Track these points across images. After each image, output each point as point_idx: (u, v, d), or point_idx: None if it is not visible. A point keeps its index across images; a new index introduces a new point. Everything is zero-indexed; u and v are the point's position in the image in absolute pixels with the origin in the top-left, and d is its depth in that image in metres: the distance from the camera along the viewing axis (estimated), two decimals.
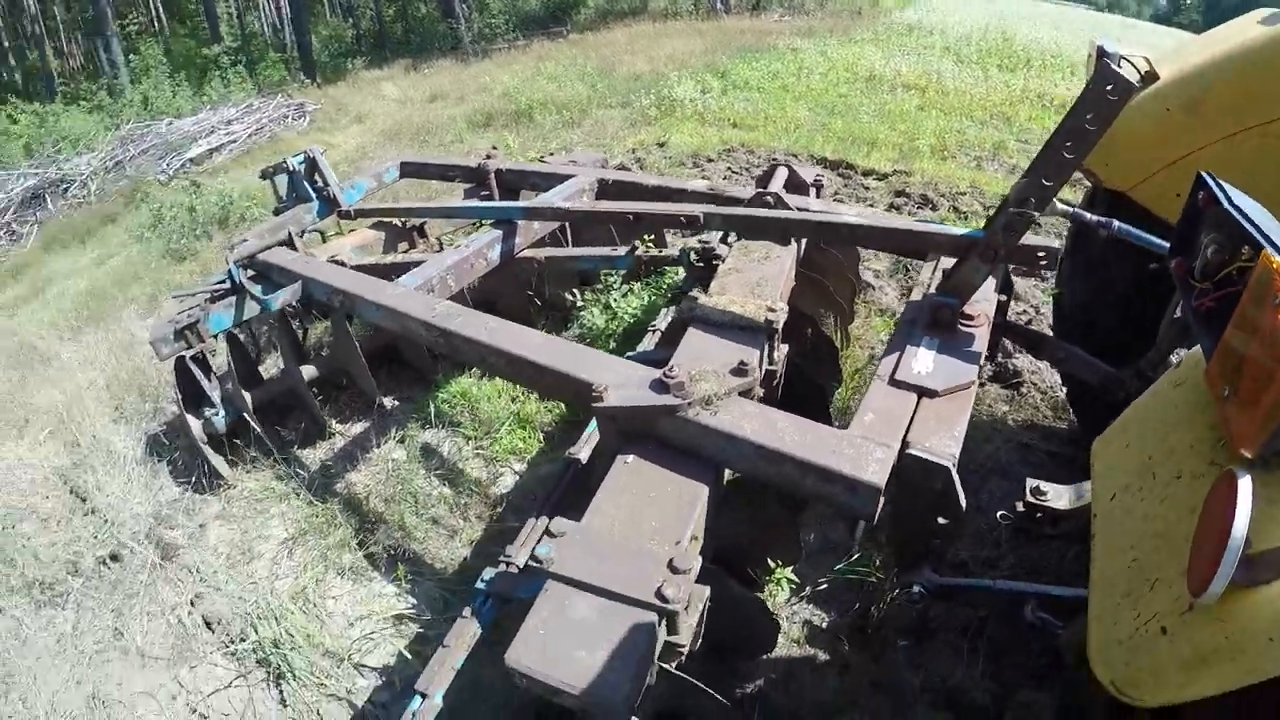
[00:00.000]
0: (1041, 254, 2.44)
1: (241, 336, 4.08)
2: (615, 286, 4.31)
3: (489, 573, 2.24)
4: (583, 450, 2.61)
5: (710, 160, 7.45)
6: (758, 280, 2.72)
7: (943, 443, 1.97)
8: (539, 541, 1.87)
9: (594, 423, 2.63)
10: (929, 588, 2.07)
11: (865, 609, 2.67)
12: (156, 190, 12.28)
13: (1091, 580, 1.37)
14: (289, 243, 3.72)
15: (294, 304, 3.47)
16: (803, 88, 10.32)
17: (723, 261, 2.89)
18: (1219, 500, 1.09)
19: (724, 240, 3.08)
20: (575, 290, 4.36)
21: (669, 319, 3.12)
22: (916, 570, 2.09)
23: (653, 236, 3.83)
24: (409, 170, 4.43)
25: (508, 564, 2.26)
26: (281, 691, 2.93)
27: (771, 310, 2.48)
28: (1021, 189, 2.14)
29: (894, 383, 2.21)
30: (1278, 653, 1.01)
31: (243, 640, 3.17)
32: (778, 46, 13.78)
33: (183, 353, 3.63)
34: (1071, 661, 1.65)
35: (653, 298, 4.28)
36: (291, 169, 4.04)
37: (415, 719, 1.99)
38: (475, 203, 4.11)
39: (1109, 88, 1.90)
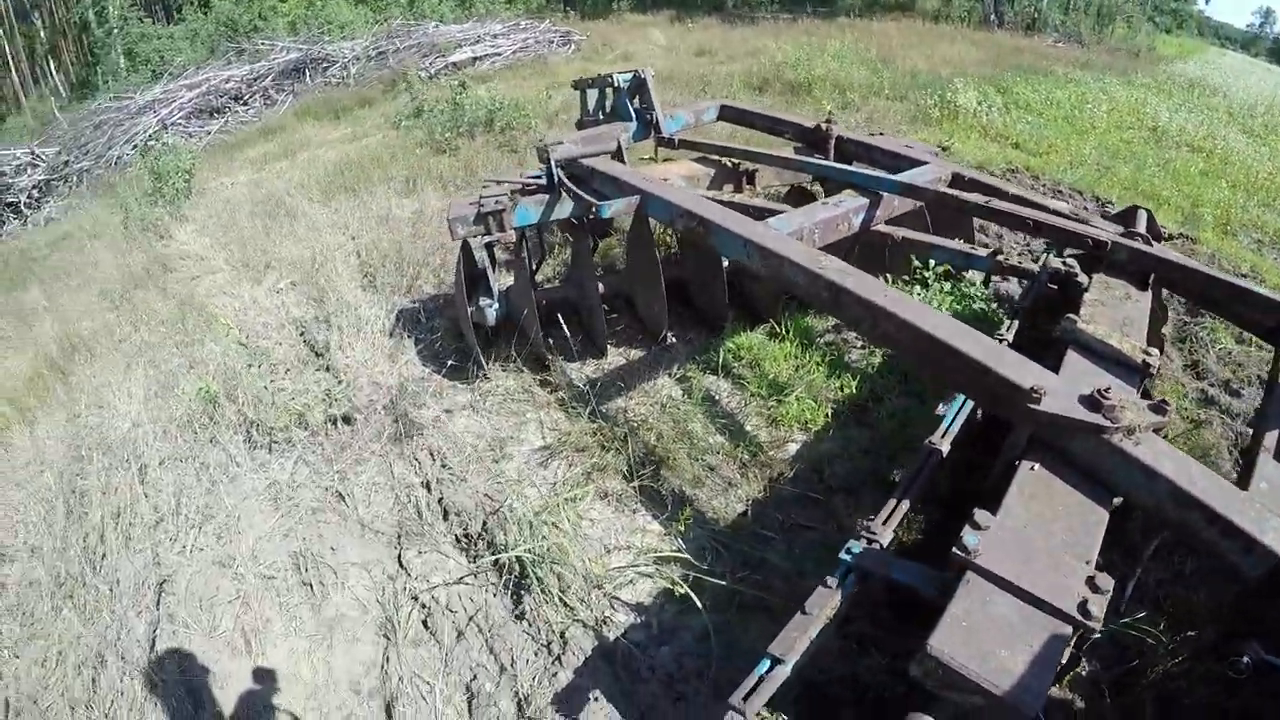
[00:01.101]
0: None
1: (529, 236, 4.02)
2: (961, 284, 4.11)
3: (855, 545, 2.13)
4: (943, 443, 2.46)
5: (997, 178, 6.90)
6: (1124, 319, 2.73)
7: None
8: (962, 531, 1.86)
9: (951, 416, 2.58)
10: (1261, 661, 2.02)
11: (1134, 668, 2.61)
12: (419, 84, 12.74)
13: None
14: (618, 155, 3.61)
15: (594, 217, 3.37)
16: (1085, 123, 9.64)
17: (1085, 291, 2.87)
18: None
19: (1083, 270, 3.05)
20: (918, 274, 4.14)
21: (1013, 330, 2.96)
22: (1246, 642, 2.06)
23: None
24: (728, 115, 4.30)
25: (871, 540, 2.16)
26: (521, 603, 2.81)
27: (1148, 354, 2.50)
28: None
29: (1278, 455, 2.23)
30: None
31: (484, 537, 3.08)
32: (1055, 72, 12.95)
33: (478, 237, 3.59)
34: None
35: (960, 304, 4.01)
36: (617, 84, 3.94)
37: (763, 683, 1.87)
38: (836, 164, 3.88)
39: None
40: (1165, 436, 2.39)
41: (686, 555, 2.87)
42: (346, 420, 3.84)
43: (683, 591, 2.67)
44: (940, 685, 1.67)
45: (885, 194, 3.49)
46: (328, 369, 4.30)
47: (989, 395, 2.30)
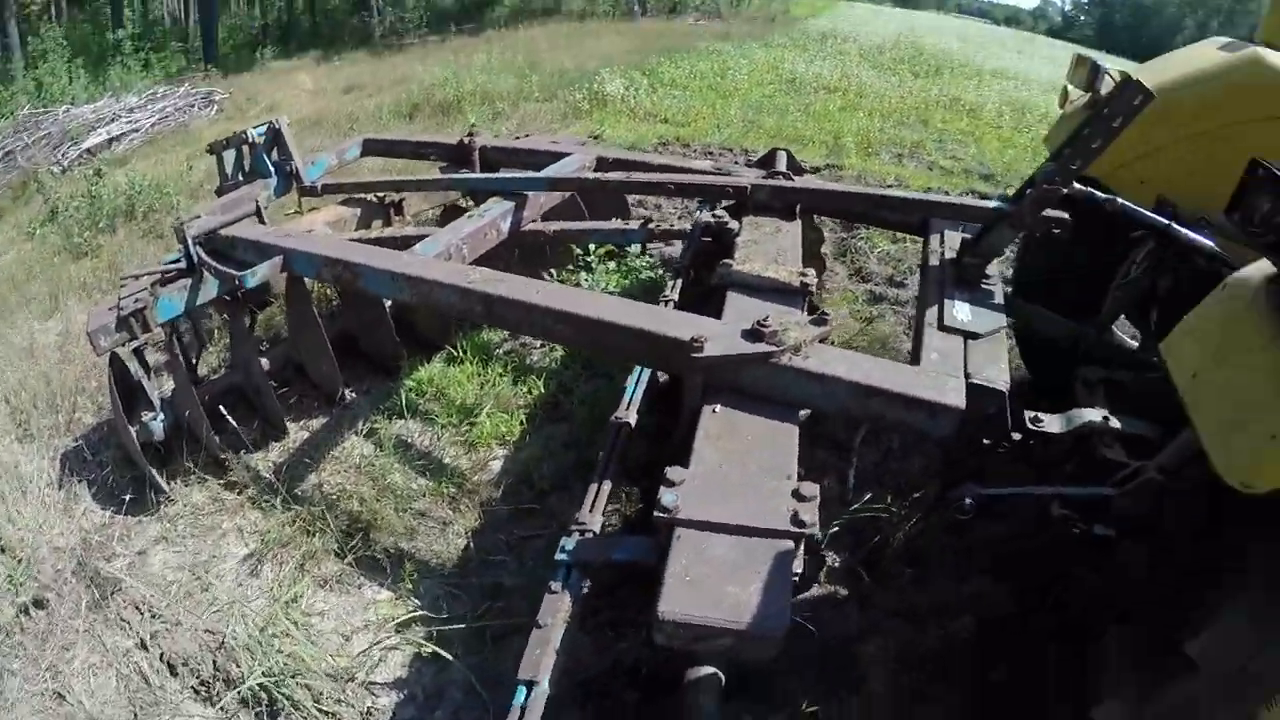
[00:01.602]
0: (1055, 225, 2.77)
1: (182, 327, 3.64)
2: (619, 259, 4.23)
3: (569, 542, 2.09)
4: (629, 414, 2.52)
5: (646, 153, 7.34)
6: (777, 251, 2.92)
7: (994, 373, 2.28)
8: (660, 492, 1.89)
9: (633, 387, 2.65)
10: (977, 498, 2.22)
11: (879, 544, 2.90)
12: (51, 182, 11.27)
13: (1199, 428, 1.68)
14: (257, 216, 3.36)
15: (242, 290, 3.11)
16: (729, 87, 10.51)
17: (737, 235, 3.06)
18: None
19: (732, 217, 3.26)
20: (581, 261, 4.23)
21: (678, 288, 3.11)
22: (963, 487, 2.24)
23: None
24: (373, 148, 4.16)
25: (583, 531, 2.14)
26: None
27: (804, 275, 2.70)
28: (1051, 170, 2.54)
29: (943, 328, 2.50)
30: None
31: (219, 676, 2.75)
32: (699, 48, 13.98)
33: (124, 345, 3.21)
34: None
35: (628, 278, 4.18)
36: (251, 140, 3.68)
37: (526, 713, 1.77)
38: (481, 174, 3.88)
39: (1136, 99, 2.38)
40: (834, 342, 2.59)
41: (424, 611, 2.73)
42: (39, 604, 3.25)
43: (430, 650, 2.53)
44: (687, 642, 1.69)
45: (531, 193, 3.51)
46: (3, 550, 3.67)
47: (658, 358, 2.41)
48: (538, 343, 4.08)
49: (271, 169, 3.68)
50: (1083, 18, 76.44)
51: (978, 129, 9.22)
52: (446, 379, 3.80)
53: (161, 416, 3.38)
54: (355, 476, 3.38)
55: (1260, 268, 1.77)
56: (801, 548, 1.83)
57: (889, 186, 6.47)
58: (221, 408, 3.47)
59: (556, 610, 1.96)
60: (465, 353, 3.91)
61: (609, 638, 2.49)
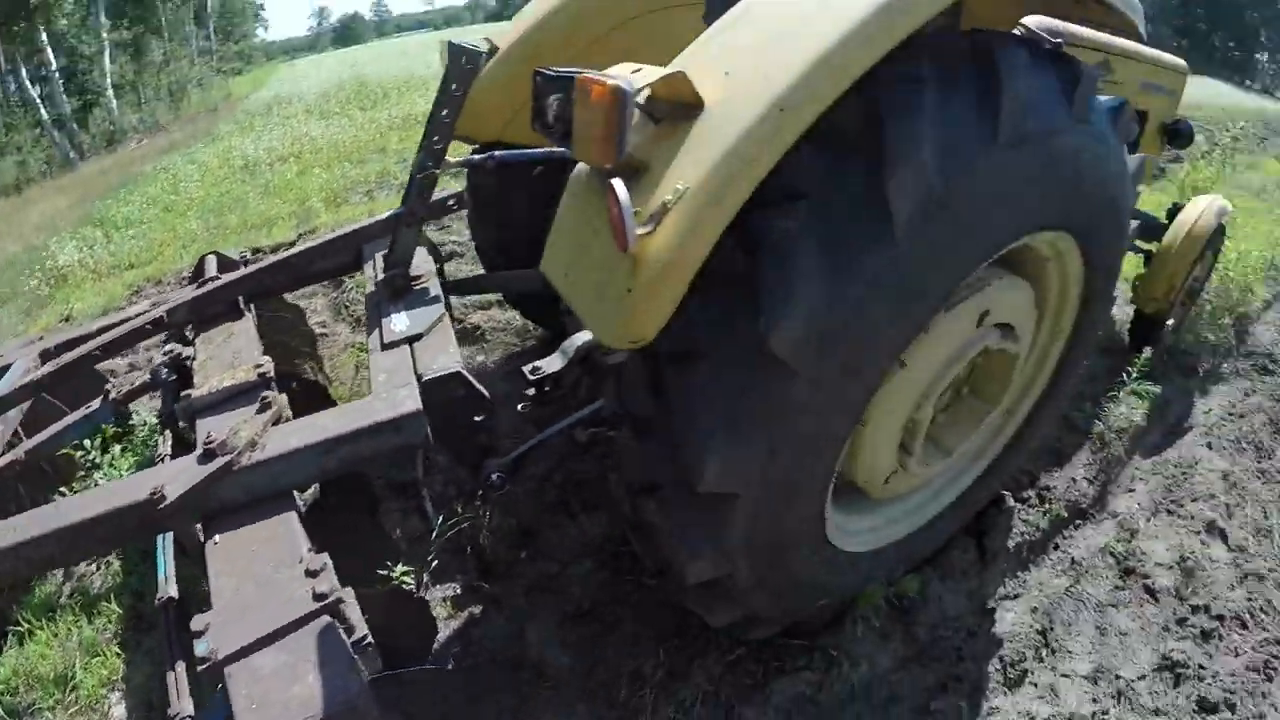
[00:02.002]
0: (451, 201, 3.04)
1: None
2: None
3: None
4: (169, 589, 2.50)
5: (122, 309, 6.86)
6: (232, 355, 2.87)
7: (444, 360, 2.40)
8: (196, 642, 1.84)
9: (161, 563, 2.60)
10: (502, 469, 2.46)
11: (479, 553, 3.10)
12: None
13: (583, 317, 1.91)
14: None
15: None
16: (185, 202, 10.03)
17: (194, 358, 2.98)
18: (613, 201, 1.63)
19: (187, 343, 3.18)
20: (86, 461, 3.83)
21: (169, 440, 3.05)
22: (484, 466, 2.50)
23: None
24: None
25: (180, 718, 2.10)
26: None
27: (259, 367, 2.67)
28: (421, 158, 2.65)
29: (386, 347, 2.59)
30: (679, 250, 1.67)
31: None
32: (146, 172, 13.08)
33: None
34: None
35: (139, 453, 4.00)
36: None
37: None
38: None
39: (464, 60, 2.50)
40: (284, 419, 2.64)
41: None
42: None
43: None
44: None
45: None
46: None
47: (145, 528, 2.29)
48: (94, 568, 3.81)
49: None
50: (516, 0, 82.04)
51: None
52: (29, 659, 3.43)
53: None
54: None
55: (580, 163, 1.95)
56: (348, 607, 1.88)
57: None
58: None
59: None
60: (30, 621, 3.53)
61: None
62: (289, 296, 4.12)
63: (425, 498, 3.29)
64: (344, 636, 1.80)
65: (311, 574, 1.91)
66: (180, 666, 2.24)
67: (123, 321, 3.37)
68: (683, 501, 2.03)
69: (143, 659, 3.31)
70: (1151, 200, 5.58)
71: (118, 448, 3.93)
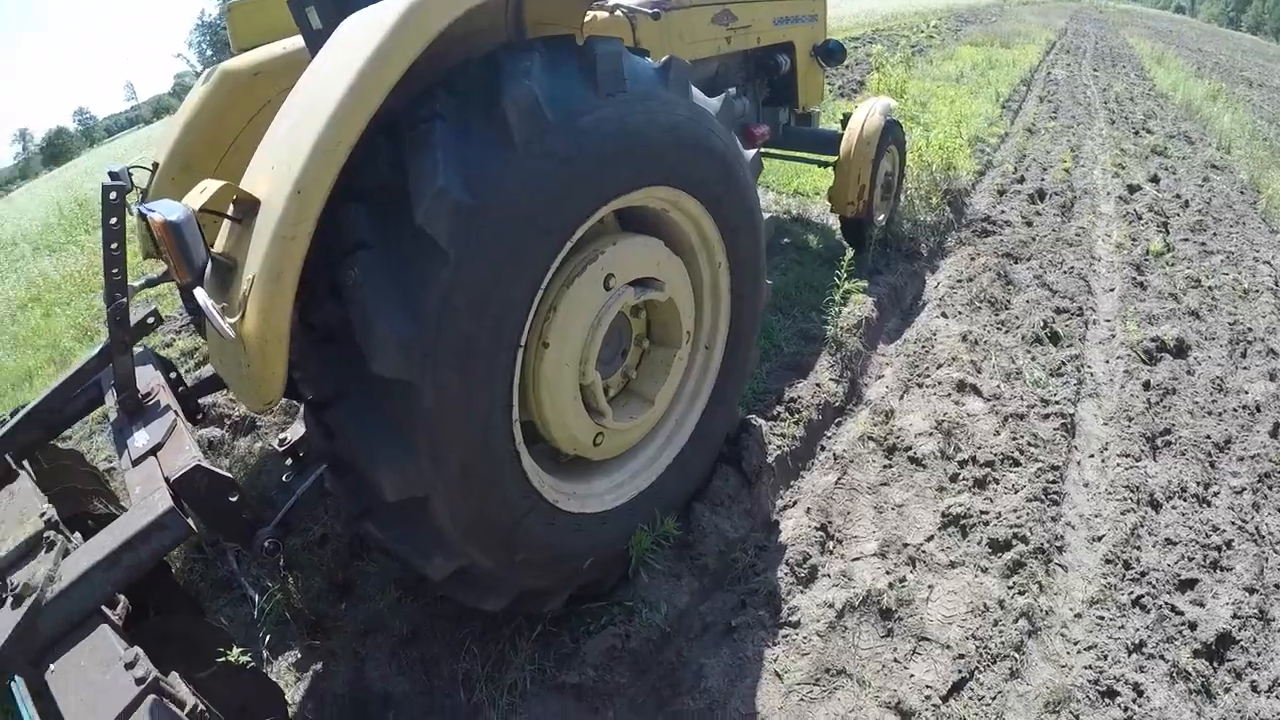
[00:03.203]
0: (149, 319, 3.23)
1: None
2: None
3: None
4: None
5: None
6: (19, 513, 2.89)
7: (183, 460, 2.58)
8: None
9: (25, 711, 2.43)
10: (272, 534, 2.59)
11: (304, 619, 3.24)
12: None
13: (232, 389, 2.24)
14: None
15: None
16: None
17: None
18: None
19: None
20: None
21: None
22: (254, 538, 2.61)
23: None
24: None
25: None
26: None
27: (43, 514, 2.70)
28: (108, 291, 2.91)
29: (135, 463, 2.74)
30: (264, 325, 1.93)
31: None
32: None
33: None
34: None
35: None
36: None
37: None
38: None
39: (111, 195, 2.70)
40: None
41: None
42: None
43: None
44: None
45: None
46: None
47: None
48: None
49: None
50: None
51: None
52: None
53: None
54: None
55: None
56: (169, 683, 2.07)
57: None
58: None
59: None
60: None
61: None
62: (63, 445, 4.04)
63: (245, 585, 3.44)
64: (177, 710, 1.96)
65: (129, 666, 2.06)
66: None
67: None
68: (390, 515, 2.27)
69: None
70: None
71: None
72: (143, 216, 2.06)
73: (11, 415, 3.60)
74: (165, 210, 1.93)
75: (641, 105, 2.47)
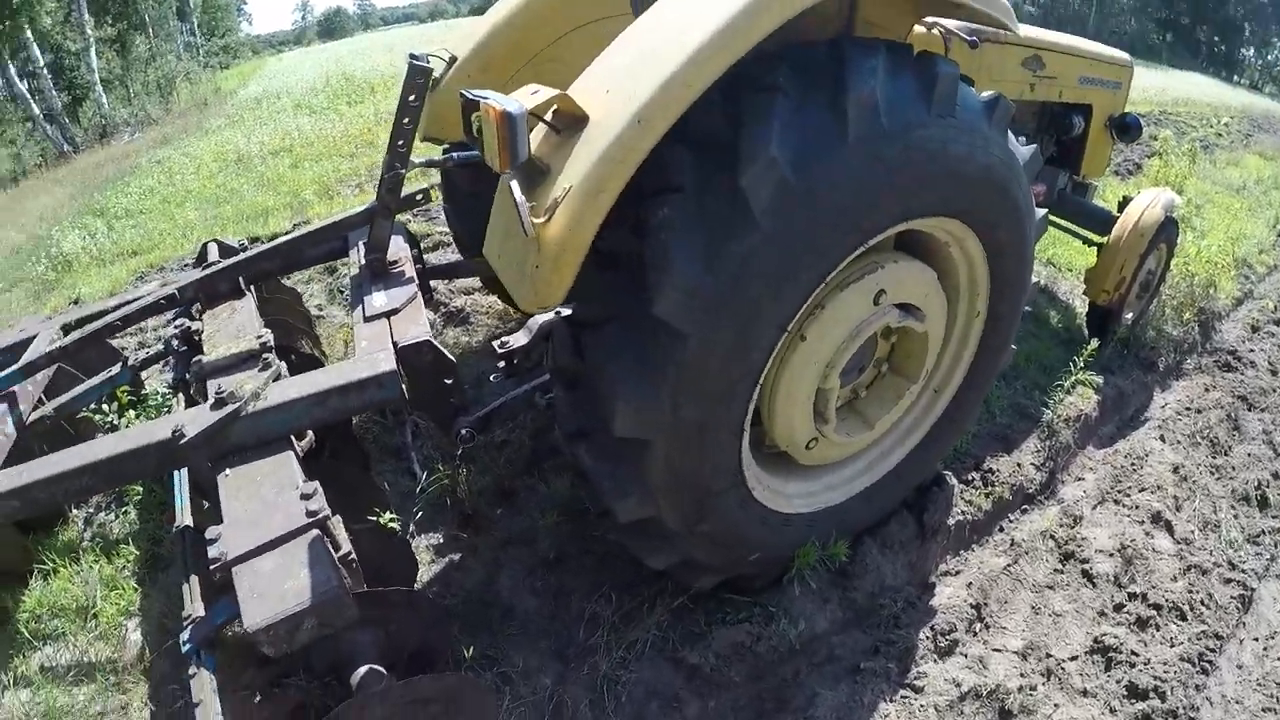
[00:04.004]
0: (419, 195, 3.40)
1: None
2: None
3: (184, 633, 2.35)
4: (185, 516, 2.80)
5: (128, 291, 7.07)
6: (236, 328, 3.21)
7: (417, 331, 2.77)
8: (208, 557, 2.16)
9: (178, 497, 2.92)
10: (471, 425, 2.78)
11: (460, 507, 3.41)
12: None
13: (505, 281, 2.23)
14: None
15: None
16: (181, 193, 10.22)
17: (203, 331, 3.33)
18: (509, 198, 2.02)
19: (194, 319, 3.51)
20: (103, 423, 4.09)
21: (181, 402, 3.37)
22: (454, 423, 2.81)
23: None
24: None
25: (192, 619, 2.40)
26: None
27: (260, 337, 2.99)
28: (388, 159, 3.07)
29: (367, 319, 2.95)
30: (568, 235, 1.99)
31: None
32: (141, 165, 13.22)
33: None
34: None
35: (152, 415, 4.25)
36: None
37: None
38: None
39: (417, 76, 2.90)
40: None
41: None
42: None
43: None
44: (285, 642, 1.97)
45: (17, 387, 3.51)
46: None
47: (164, 463, 2.63)
48: (112, 515, 4.07)
49: None
50: None
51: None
52: (52, 593, 3.69)
53: None
54: None
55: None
56: (334, 525, 2.20)
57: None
58: None
59: (203, 686, 2.23)
60: (54, 560, 3.79)
61: (278, 693, 2.73)
62: (287, 281, 4.46)
63: (413, 459, 3.65)
64: (329, 550, 2.11)
65: (305, 497, 2.23)
66: (194, 580, 2.58)
67: (137, 299, 3.66)
68: (607, 446, 2.34)
69: (159, 593, 3.56)
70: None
71: (131, 413, 4.19)
72: (468, 100, 2.12)
73: (251, 242, 3.99)
74: (501, 100, 1.99)
75: (965, 135, 2.42)
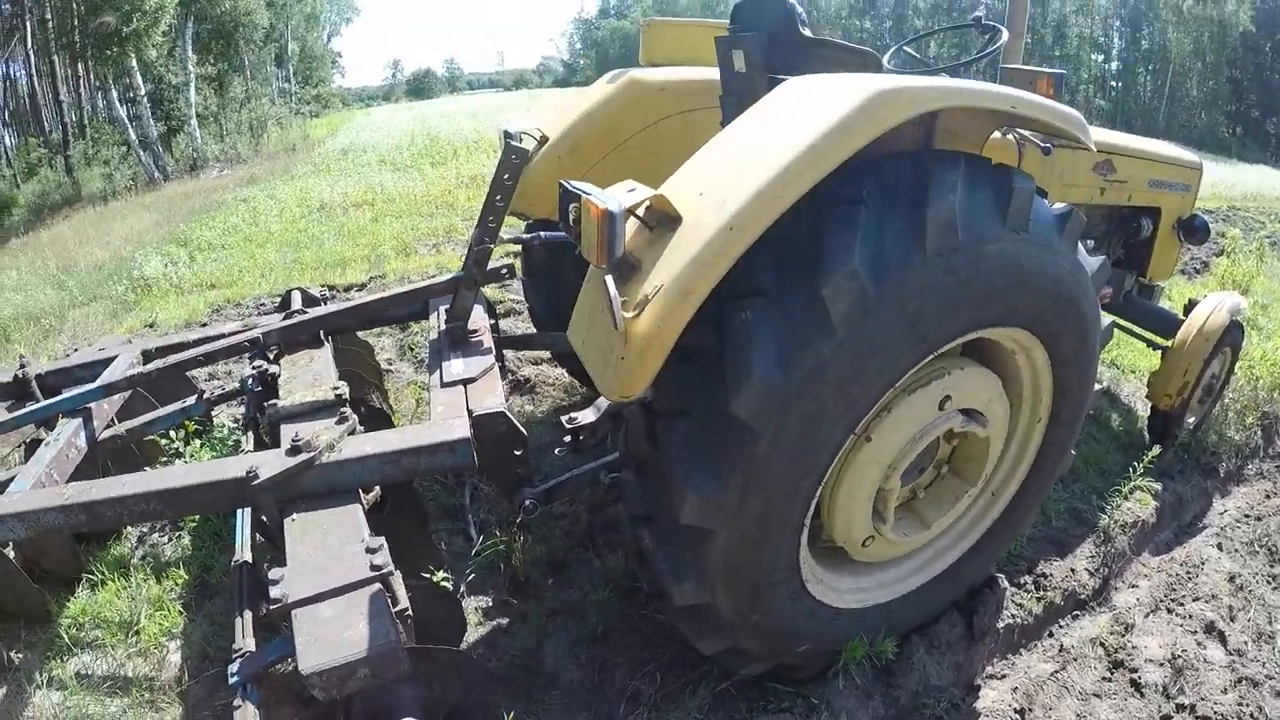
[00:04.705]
0: (504, 270, 3.56)
1: None
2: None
3: (233, 666, 2.38)
4: (245, 554, 2.86)
5: (204, 324, 7.40)
6: (313, 377, 3.34)
7: (493, 401, 2.86)
8: (270, 588, 2.23)
9: (239, 532, 2.99)
10: (536, 496, 2.85)
11: (512, 574, 3.46)
12: None
13: (588, 366, 2.32)
14: None
15: None
16: (264, 234, 10.66)
17: (279, 376, 3.44)
18: (600, 290, 2.13)
19: (273, 362, 3.62)
20: (170, 449, 4.31)
21: (252, 440, 3.48)
22: (519, 493, 2.88)
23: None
24: None
25: (240, 654, 2.45)
26: None
27: (335, 389, 3.12)
28: (478, 233, 3.17)
29: (444, 385, 3.04)
30: (655, 332, 2.06)
31: None
32: (227, 201, 13.85)
33: None
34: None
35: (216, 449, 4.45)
36: None
37: None
38: (43, 401, 3.82)
39: (514, 156, 3.06)
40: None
41: None
42: None
43: None
44: (336, 688, 2.03)
45: (93, 404, 3.66)
46: None
47: (232, 500, 2.74)
48: (165, 538, 4.21)
49: None
50: (581, 61, 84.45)
51: None
52: (97, 604, 3.80)
53: None
54: None
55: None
56: (395, 581, 2.26)
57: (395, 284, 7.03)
58: None
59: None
60: (103, 573, 3.92)
61: None
62: (361, 334, 4.63)
63: (470, 522, 3.74)
64: (389, 604, 2.18)
65: (370, 550, 2.30)
66: (248, 615, 2.64)
67: (220, 336, 3.87)
68: (670, 532, 2.40)
69: (204, 620, 3.64)
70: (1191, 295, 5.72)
71: (197, 442, 4.38)
72: (567, 191, 2.24)
73: (329, 290, 4.18)
74: (603, 199, 2.09)
75: (1037, 249, 2.48)
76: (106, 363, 4.00)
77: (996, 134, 3.55)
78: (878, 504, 2.75)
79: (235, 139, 27.78)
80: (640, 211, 2.20)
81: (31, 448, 3.98)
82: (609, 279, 2.09)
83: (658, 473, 2.39)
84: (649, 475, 2.47)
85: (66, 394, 3.72)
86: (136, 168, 25.50)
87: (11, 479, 3.34)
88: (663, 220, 2.21)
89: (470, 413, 2.83)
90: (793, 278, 2.17)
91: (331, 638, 2.07)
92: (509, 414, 2.81)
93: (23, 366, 4.06)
